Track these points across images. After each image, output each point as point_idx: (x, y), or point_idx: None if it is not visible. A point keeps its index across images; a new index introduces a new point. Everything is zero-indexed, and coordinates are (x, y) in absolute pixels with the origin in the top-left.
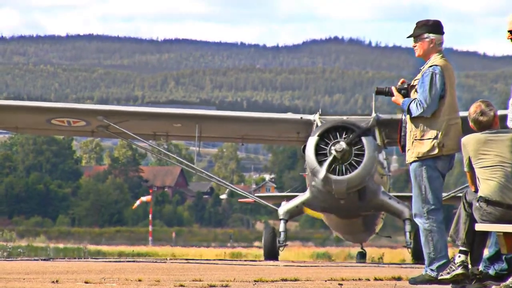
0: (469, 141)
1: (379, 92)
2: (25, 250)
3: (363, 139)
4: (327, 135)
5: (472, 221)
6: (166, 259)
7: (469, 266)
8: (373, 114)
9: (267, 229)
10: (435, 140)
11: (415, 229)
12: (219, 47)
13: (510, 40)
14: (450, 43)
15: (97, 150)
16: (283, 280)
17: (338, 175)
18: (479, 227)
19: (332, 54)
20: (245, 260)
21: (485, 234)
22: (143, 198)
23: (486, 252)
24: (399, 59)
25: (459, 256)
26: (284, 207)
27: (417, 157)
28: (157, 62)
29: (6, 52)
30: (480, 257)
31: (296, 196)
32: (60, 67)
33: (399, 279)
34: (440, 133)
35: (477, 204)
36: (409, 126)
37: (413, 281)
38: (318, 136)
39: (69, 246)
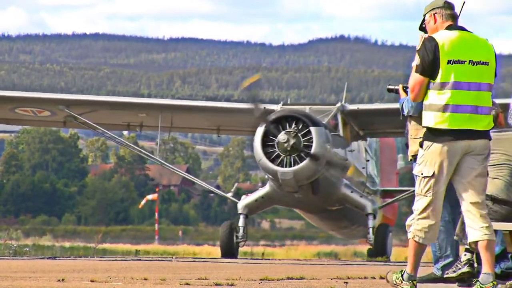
0: None
1: (389, 90)
2: (31, 249)
3: (312, 129)
4: (276, 125)
5: None
6: (172, 257)
7: (475, 264)
8: (338, 104)
9: (224, 224)
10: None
11: (377, 225)
12: (225, 46)
13: None
14: None
15: (103, 149)
16: (289, 278)
17: (286, 166)
18: None
19: (338, 53)
20: (251, 259)
21: None
22: (149, 197)
23: None
24: (405, 58)
25: (465, 255)
26: (243, 202)
27: (412, 156)
28: (163, 61)
29: (13, 50)
30: None
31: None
32: (67, 65)
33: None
34: None
35: None
36: (408, 125)
37: (419, 279)
38: (266, 126)
39: (75, 245)
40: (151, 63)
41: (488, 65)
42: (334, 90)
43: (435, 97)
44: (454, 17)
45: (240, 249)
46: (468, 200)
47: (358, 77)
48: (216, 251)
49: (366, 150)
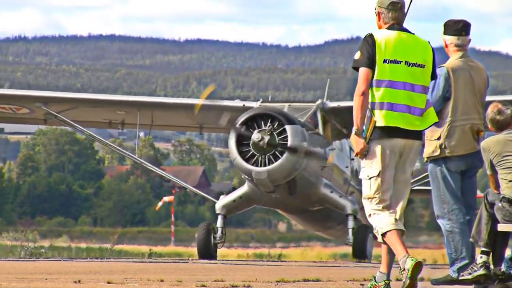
0: (489, 145)
1: None
2: (48, 250)
3: (287, 127)
4: (251, 124)
5: (494, 221)
6: (188, 259)
7: (491, 266)
8: (318, 102)
9: (201, 225)
10: (437, 141)
11: (357, 226)
12: (241, 48)
13: None
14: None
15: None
16: (305, 280)
17: (260, 166)
18: (501, 227)
19: (354, 54)
20: (267, 261)
21: (507, 235)
22: (165, 199)
23: (508, 253)
24: None
25: (481, 257)
26: (221, 202)
27: (427, 157)
28: (179, 62)
29: (29, 52)
30: (502, 258)
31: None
32: (83, 67)
33: (421, 279)
34: (442, 134)
35: (500, 205)
36: None
37: (435, 281)
38: (240, 124)
39: (91, 246)
40: (167, 65)
41: (424, 67)
42: (350, 92)
43: (373, 95)
44: (397, 18)
45: (254, 250)
46: (397, 198)
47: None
48: (233, 253)
49: (351, 149)
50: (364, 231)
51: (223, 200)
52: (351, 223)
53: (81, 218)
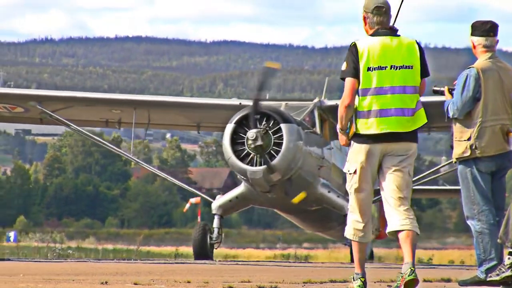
0: None
1: (435, 92)
2: (74, 252)
3: (283, 126)
4: (246, 123)
5: None
6: (215, 260)
7: None
8: (315, 100)
9: (197, 225)
10: (468, 142)
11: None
12: (267, 49)
13: None
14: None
15: (146, 152)
16: (331, 281)
17: (256, 165)
18: None
19: None
20: (294, 262)
21: None
22: (192, 200)
23: None
24: (448, 60)
25: (509, 258)
26: (217, 202)
27: (456, 158)
28: (205, 63)
29: (56, 54)
30: None
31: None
32: (109, 68)
33: (448, 280)
34: (472, 135)
35: None
36: (453, 127)
37: (463, 282)
38: (235, 123)
39: (118, 247)
40: (193, 66)
41: (412, 68)
42: None
43: (359, 104)
44: (382, 23)
45: (281, 251)
46: (388, 195)
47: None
48: (259, 254)
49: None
50: None
51: (219, 200)
52: None
53: (108, 220)
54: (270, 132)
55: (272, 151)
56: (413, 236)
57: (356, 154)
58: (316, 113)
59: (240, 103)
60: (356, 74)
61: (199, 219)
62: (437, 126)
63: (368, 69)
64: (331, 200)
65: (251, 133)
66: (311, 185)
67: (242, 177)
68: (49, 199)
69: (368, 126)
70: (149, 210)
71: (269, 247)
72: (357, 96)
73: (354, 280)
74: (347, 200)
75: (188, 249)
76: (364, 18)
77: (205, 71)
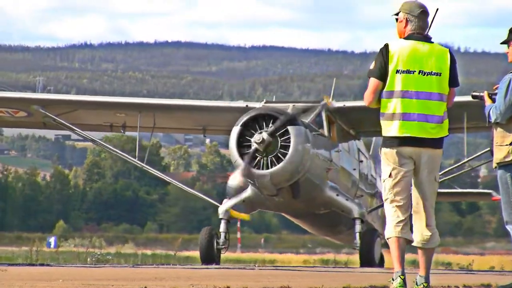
0: None
1: (474, 97)
2: (114, 257)
3: (290, 128)
4: (252, 125)
5: None
6: (255, 265)
7: None
8: (323, 102)
9: (203, 229)
10: (509, 147)
11: (364, 229)
12: (307, 54)
13: None
14: None
15: (185, 157)
16: (371, 286)
17: (262, 169)
18: None
19: None
20: (334, 267)
21: None
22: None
23: None
24: (487, 65)
25: None
26: (224, 206)
27: (497, 163)
28: (244, 68)
29: (95, 59)
30: None
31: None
32: (149, 73)
33: (488, 286)
34: None
35: None
36: (494, 132)
37: None
38: (241, 126)
39: (157, 252)
40: (232, 71)
41: (440, 76)
42: None
43: (384, 106)
44: (422, 27)
45: (321, 256)
46: (418, 204)
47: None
48: (299, 259)
49: (359, 150)
50: (371, 235)
51: (226, 204)
52: (358, 227)
53: (147, 225)
54: (277, 134)
55: (279, 154)
56: (431, 253)
57: (387, 158)
58: (323, 115)
59: (247, 106)
60: (381, 76)
61: (238, 224)
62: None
63: (397, 71)
64: (339, 203)
65: (258, 136)
66: (318, 188)
67: (249, 180)
68: (88, 204)
69: (390, 128)
70: (188, 215)
71: (308, 252)
72: (383, 99)
73: (393, 280)
74: (356, 204)
75: (228, 255)
76: (406, 20)
77: (245, 76)
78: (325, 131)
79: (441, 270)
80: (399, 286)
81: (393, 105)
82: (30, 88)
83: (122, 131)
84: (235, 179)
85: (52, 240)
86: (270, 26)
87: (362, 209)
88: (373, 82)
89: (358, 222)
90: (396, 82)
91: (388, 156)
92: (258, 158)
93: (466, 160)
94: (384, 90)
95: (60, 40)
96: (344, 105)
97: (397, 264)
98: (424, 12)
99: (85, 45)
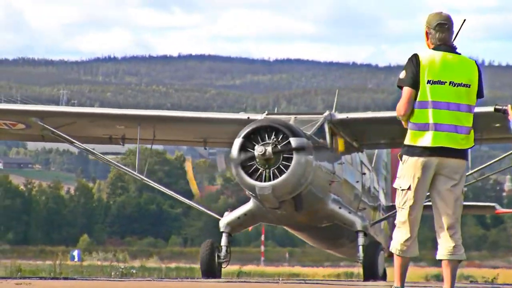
0: None
1: (496, 110)
2: (138, 271)
3: (292, 141)
4: (254, 137)
5: None
6: (279, 279)
7: None
8: (326, 113)
9: (204, 243)
10: None
11: (367, 243)
12: (331, 67)
13: None
14: None
15: (210, 170)
16: None
17: (264, 181)
18: None
19: None
20: (358, 280)
21: None
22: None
23: None
24: (511, 78)
25: None
26: (225, 219)
27: None
28: (268, 82)
29: (119, 72)
30: None
31: None
32: (172, 87)
33: None
34: None
35: None
36: None
37: None
38: (243, 138)
39: (181, 266)
40: (256, 85)
41: (469, 87)
42: None
43: (416, 116)
44: (444, 39)
45: (345, 270)
46: (440, 215)
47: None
48: (323, 272)
49: (362, 163)
50: (375, 248)
51: (227, 217)
52: (361, 240)
53: (171, 238)
54: (279, 146)
55: (281, 166)
56: (455, 265)
57: (412, 169)
58: (326, 127)
59: (248, 118)
60: (413, 84)
61: (262, 238)
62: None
63: (428, 82)
64: (342, 216)
65: (260, 148)
66: (321, 201)
67: (251, 193)
68: (112, 217)
69: (422, 139)
70: (212, 229)
71: (331, 265)
72: (414, 109)
73: None
74: (359, 216)
75: (252, 268)
76: (427, 34)
77: (268, 90)
78: (328, 143)
79: (465, 284)
80: None
81: (425, 116)
82: (54, 101)
83: (122, 143)
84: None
85: (75, 253)
86: (294, 39)
87: (365, 222)
88: (407, 91)
89: (361, 235)
90: (428, 92)
91: (411, 166)
92: (260, 171)
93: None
94: (417, 100)
95: (84, 53)
96: (347, 117)
97: (397, 280)
98: (441, 24)
99: (108, 58)
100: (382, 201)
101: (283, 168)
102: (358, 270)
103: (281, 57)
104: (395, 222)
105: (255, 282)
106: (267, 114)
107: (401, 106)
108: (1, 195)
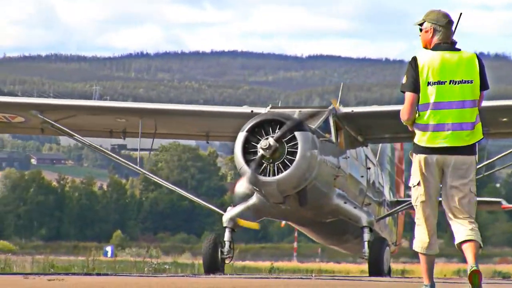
0: None
1: None
2: (171, 267)
3: (297, 134)
4: (258, 131)
5: None
6: (311, 275)
7: None
8: (330, 107)
9: (207, 238)
10: None
11: (373, 238)
12: (364, 63)
13: None
14: None
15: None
16: None
17: (269, 175)
18: None
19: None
20: (391, 276)
21: None
22: None
23: None
24: None
25: None
26: (228, 214)
27: None
28: (301, 78)
29: (151, 68)
30: None
31: None
32: (205, 83)
33: None
34: None
35: None
36: None
37: None
38: (247, 131)
39: None
40: (289, 81)
41: (472, 83)
42: None
43: (419, 117)
44: (448, 37)
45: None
46: (450, 206)
47: (498, 94)
48: (356, 268)
49: (367, 157)
50: (380, 244)
51: (231, 212)
52: (366, 236)
53: (204, 235)
54: (284, 140)
55: (286, 160)
56: (476, 246)
57: (417, 166)
58: (331, 121)
59: (252, 111)
60: (415, 89)
61: (295, 234)
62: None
63: (428, 83)
64: (347, 211)
65: (264, 142)
66: (326, 195)
67: (255, 188)
68: (145, 214)
69: (424, 139)
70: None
71: (365, 262)
72: (418, 111)
73: None
74: (365, 212)
75: (285, 264)
76: (433, 30)
77: (301, 86)
78: (333, 137)
79: (499, 280)
80: None
81: (427, 117)
82: (87, 98)
83: (123, 137)
84: (241, 186)
85: (109, 249)
86: (327, 35)
87: (371, 218)
88: (408, 96)
89: (366, 230)
90: (429, 94)
91: (419, 163)
92: (264, 165)
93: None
94: (419, 103)
95: (116, 49)
96: (352, 111)
97: (425, 278)
98: (450, 22)
99: (141, 54)
100: (386, 196)
101: (287, 162)
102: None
103: (313, 53)
104: (415, 219)
105: (288, 278)
106: (271, 108)
107: (404, 111)
108: (34, 191)
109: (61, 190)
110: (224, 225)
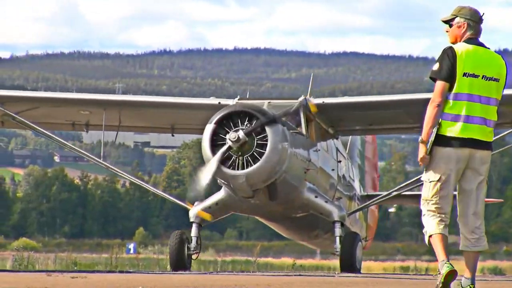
0: None
1: None
2: (194, 264)
3: (267, 127)
4: (226, 123)
5: None
6: (335, 272)
7: None
8: (301, 98)
9: (173, 234)
10: None
11: (345, 233)
12: (387, 60)
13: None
14: None
15: None
16: None
17: (238, 169)
18: None
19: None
20: (414, 274)
21: None
22: None
23: None
24: None
25: None
26: (195, 209)
27: None
28: (324, 75)
29: (174, 65)
30: None
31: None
32: (228, 80)
33: None
34: None
35: None
36: None
37: None
38: (215, 123)
39: (237, 259)
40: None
41: (498, 81)
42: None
43: (449, 107)
44: (479, 32)
45: (401, 264)
46: (465, 208)
47: None
48: (378, 266)
49: (337, 150)
50: (352, 239)
51: (198, 207)
52: (338, 231)
53: (227, 232)
54: (253, 133)
55: (255, 153)
56: (477, 255)
57: (444, 160)
58: (301, 113)
59: (219, 103)
60: (448, 77)
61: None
62: None
63: (464, 74)
64: (318, 205)
65: (233, 134)
66: (296, 189)
67: (223, 181)
68: (167, 211)
69: (455, 129)
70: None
71: (388, 259)
72: (449, 100)
73: (440, 269)
74: (336, 206)
75: (307, 261)
76: (467, 25)
77: (324, 83)
78: (303, 129)
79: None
80: (448, 269)
81: (460, 107)
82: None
83: (86, 130)
84: (205, 179)
85: (131, 246)
86: (350, 32)
87: (343, 212)
88: (440, 84)
89: (338, 225)
90: (464, 85)
91: (443, 156)
92: (233, 158)
93: None
94: (452, 92)
95: (139, 47)
96: (323, 102)
97: (442, 254)
98: (481, 19)
99: (164, 52)
100: (357, 190)
101: (257, 155)
102: (415, 264)
103: (336, 50)
104: (424, 212)
105: (311, 275)
106: (239, 99)
107: (436, 97)
108: (57, 188)
109: (84, 188)
110: (191, 220)
